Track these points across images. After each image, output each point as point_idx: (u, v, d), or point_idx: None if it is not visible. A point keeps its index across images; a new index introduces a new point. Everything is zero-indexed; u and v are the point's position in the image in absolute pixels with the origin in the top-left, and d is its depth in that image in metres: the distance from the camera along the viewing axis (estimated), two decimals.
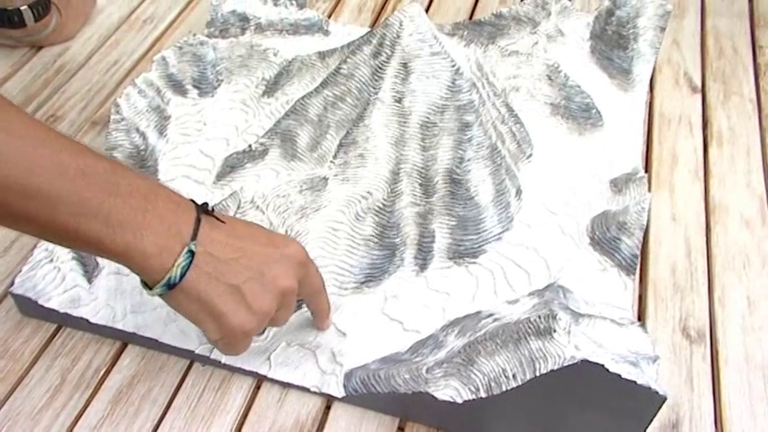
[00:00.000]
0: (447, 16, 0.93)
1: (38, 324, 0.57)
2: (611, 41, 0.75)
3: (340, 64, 0.61)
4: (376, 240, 0.60)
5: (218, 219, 0.45)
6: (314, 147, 0.62)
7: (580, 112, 0.70)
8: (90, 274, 0.57)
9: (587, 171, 0.67)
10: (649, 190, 0.71)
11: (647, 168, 0.73)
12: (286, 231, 0.58)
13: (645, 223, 0.59)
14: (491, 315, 0.54)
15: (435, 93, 0.60)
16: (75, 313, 0.55)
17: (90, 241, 0.40)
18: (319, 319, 0.56)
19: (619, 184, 0.65)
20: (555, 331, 0.45)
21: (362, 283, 0.59)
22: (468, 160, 0.61)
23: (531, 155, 0.67)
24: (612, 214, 0.61)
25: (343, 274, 0.59)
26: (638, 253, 0.59)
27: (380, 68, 0.59)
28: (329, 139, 0.62)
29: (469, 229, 0.61)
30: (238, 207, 0.56)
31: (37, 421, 0.51)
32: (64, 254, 0.56)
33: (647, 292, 0.62)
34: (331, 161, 0.60)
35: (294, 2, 0.83)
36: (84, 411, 0.52)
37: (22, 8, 0.76)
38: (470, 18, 0.91)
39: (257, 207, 0.57)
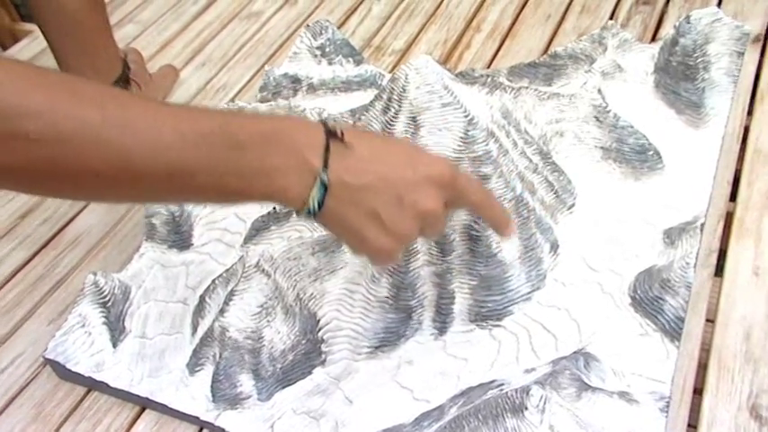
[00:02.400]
0: (518, 57, 0.89)
1: (71, 387, 0.60)
2: (677, 73, 0.67)
3: (354, 122, 0.60)
4: (391, 303, 0.57)
5: (345, 144, 0.44)
6: None
7: (635, 155, 0.63)
8: (116, 338, 0.59)
9: (641, 220, 0.60)
10: (727, 239, 0.61)
11: (731, 213, 0.64)
12: (298, 294, 0.57)
13: (691, 281, 0.51)
14: (501, 385, 0.49)
15: (448, 145, 0.56)
16: (98, 377, 0.57)
17: (230, 195, 0.43)
18: (497, 229, 0.51)
19: (672, 236, 0.57)
20: (527, 408, 0.40)
21: (377, 347, 0.56)
22: None
23: (572, 205, 0.61)
24: (657, 271, 0.54)
25: (358, 338, 0.57)
26: (684, 315, 0.51)
27: (390, 124, 0.57)
28: None
29: (493, 289, 0.56)
30: (243, 272, 0.56)
31: None
32: (95, 319, 0.60)
33: (710, 361, 0.53)
34: None
35: (351, 59, 0.84)
36: None
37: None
38: None
39: (263, 271, 0.56)
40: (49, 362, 0.59)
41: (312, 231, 0.62)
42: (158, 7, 1.13)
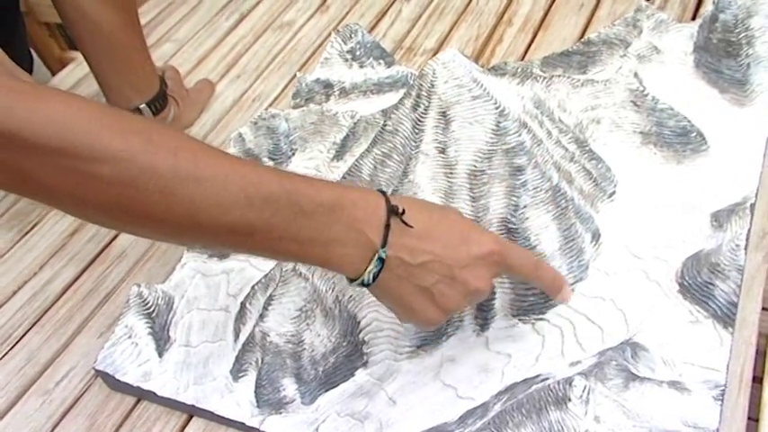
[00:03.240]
0: (551, 48, 0.87)
1: (122, 398, 0.61)
2: (719, 51, 0.64)
3: (385, 120, 0.60)
4: None
5: (406, 223, 0.46)
6: None
7: (676, 138, 0.61)
8: (161, 347, 0.60)
9: (686, 205, 0.58)
10: None
11: None
12: (337, 297, 0.57)
13: (742, 263, 0.49)
14: (545, 379, 0.48)
15: (480, 138, 0.55)
16: (146, 386, 0.58)
17: (286, 256, 0.46)
18: (553, 296, 0.52)
19: (720, 218, 0.55)
20: (570, 400, 0.38)
21: (419, 346, 0.56)
22: (525, 207, 0.55)
23: (613, 193, 0.59)
24: (705, 255, 0.52)
25: (399, 338, 0.56)
26: (736, 300, 0.49)
27: (420, 121, 0.57)
28: None
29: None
30: (281, 276, 0.56)
31: None
32: (141, 329, 0.61)
33: None
34: None
35: (382, 61, 0.84)
36: None
37: (141, 107, 0.85)
38: None
39: (300, 274, 0.56)
40: (99, 373, 0.60)
41: None
42: (193, 25, 1.15)
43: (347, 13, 1.06)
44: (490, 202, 0.56)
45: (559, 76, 0.62)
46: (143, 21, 1.20)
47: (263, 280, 0.60)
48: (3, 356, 0.67)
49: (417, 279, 0.46)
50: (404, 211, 0.46)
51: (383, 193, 0.47)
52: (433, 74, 0.55)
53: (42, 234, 0.80)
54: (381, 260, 0.44)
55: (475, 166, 0.56)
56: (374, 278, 0.45)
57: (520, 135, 0.55)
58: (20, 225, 0.82)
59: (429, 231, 0.46)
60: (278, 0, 1.15)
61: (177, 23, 1.17)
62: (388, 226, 0.45)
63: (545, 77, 0.61)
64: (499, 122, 0.55)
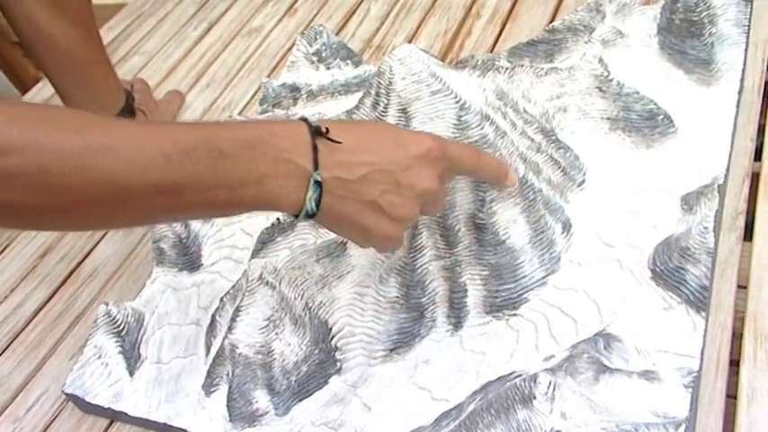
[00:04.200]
0: (520, 38, 0.86)
1: (94, 420, 0.59)
2: (682, 31, 0.63)
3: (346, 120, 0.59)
4: (402, 302, 0.55)
5: (332, 140, 0.44)
6: None
7: (643, 122, 0.60)
8: (132, 366, 0.59)
9: (657, 189, 0.57)
10: (755, 200, 0.58)
11: (758, 171, 0.60)
12: (306, 303, 0.56)
13: (711, 246, 0.48)
14: (519, 376, 0.47)
15: (442, 133, 0.54)
16: (117, 407, 0.57)
17: (223, 207, 0.42)
18: (499, 184, 0.52)
19: (690, 201, 0.54)
20: (535, 397, 0.37)
21: (392, 350, 0.55)
22: (492, 201, 0.54)
23: (582, 181, 0.58)
24: (675, 240, 0.51)
25: (372, 342, 0.55)
26: (708, 284, 0.48)
27: (380, 119, 0.55)
28: None
29: (505, 278, 0.54)
30: (247, 286, 0.55)
31: None
32: (111, 349, 0.59)
33: (745, 330, 0.50)
34: None
35: (349, 61, 0.82)
36: None
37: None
38: None
39: (267, 283, 0.55)
40: (69, 396, 0.59)
41: (317, 238, 0.61)
42: (161, 37, 1.14)
43: (315, 15, 1.05)
44: (456, 198, 0.54)
45: (522, 66, 0.61)
46: (111, 35, 1.20)
47: (231, 291, 0.59)
48: None
49: (361, 194, 0.44)
50: (328, 130, 0.44)
51: (305, 119, 0.45)
52: (390, 71, 0.54)
53: (12, 257, 0.79)
54: (318, 184, 0.42)
55: None
56: (317, 205, 0.43)
57: (482, 128, 0.54)
58: None
59: (360, 143, 0.45)
60: (246, 6, 1.14)
61: (145, 36, 1.16)
62: (315, 148, 0.43)
63: (507, 68, 0.60)
64: (460, 116, 0.54)
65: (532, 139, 0.57)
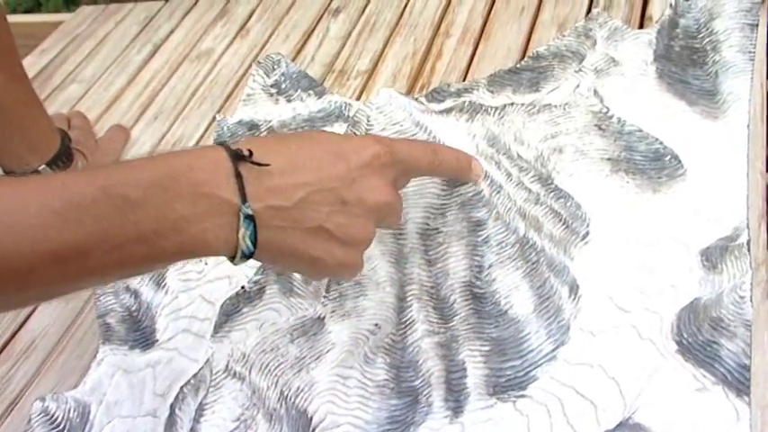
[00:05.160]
0: (496, 59, 0.79)
1: None
2: (682, 59, 0.57)
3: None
4: (392, 386, 0.48)
5: (258, 163, 0.37)
6: (308, 279, 0.52)
7: (649, 163, 0.54)
8: None
9: (669, 240, 0.51)
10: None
11: None
12: (282, 392, 0.48)
13: (749, 318, 0.42)
14: None
15: (430, 191, 0.47)
16: None
17: (144, 264, 0.36)
18: (464, 179, 0.46)
19: (712, 257, 0.48)
20: None
21: None
22: (490, 266, 0.47)
23: (587, 233, 0.52)
24: (703, 307, 0.45)
25: None
26: (747, 362, 0.42)
27: None
28: None
29: (509, 353, 0.47)
30: (211, 379, 0.47)
31: None
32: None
33: None
34: (324, 296, 0.50)
35: (311, 92, 0.75)
36: None
37: (39, 168, 0.74)
38: (522, 59, 0.77)
39: (235, 374, 0.47)
40: None
41: (289, 308, 0.53)
42: (101, 61, 1.05)
43: (270, 36, 0.97)
44: (449, 264, 0.47)
45: (512, 104, 0.54)
46: (45, 59, 1.10)
47: (192, 381, 0.51)
48: None
49: (303, 221, 0.38)
50: (251, 152, 0.37)
51: (223, 143, 0.38)
52: (368, 121, 0.47)
53: None
54: (250, 218, 0.36)
55: (427, 225, 0.47)
56: (253, 243, 0.37)
57: (476, 184, 0.47)
58: None
59: (293, 161, 0.38)
60: (192, 27, 1.05)
61: (84, 60, 1.07)
62: (239, 176, 0.36)
63: (496, 108, 0.54)
64: None
65: (530, 190, 0.51)
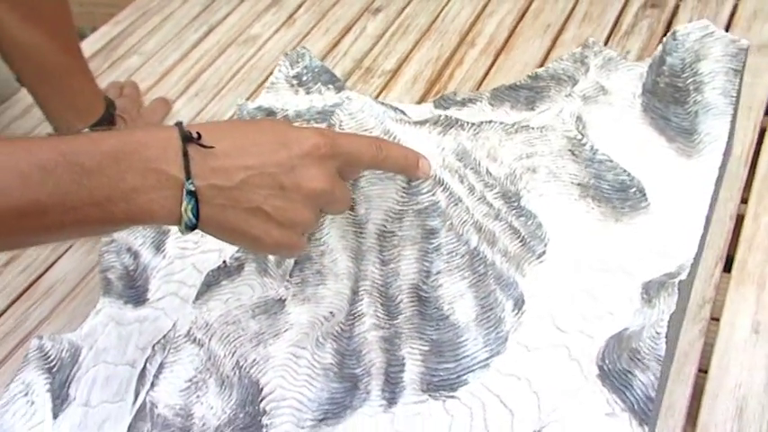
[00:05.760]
0: (512, 72, 0.82)
1: None
2: (666, 96, 0.59)
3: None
4: (335, 371, 0.52)
5: (204, 146, 0.41)
6: (279, 262, 0.57)
7: (614, 193, 0.56)
8: (58, 407, 0.57)
9: (620, 270, 0.53)
10: (718, 287, 0.54)
11: (731, 255, 0.56)
12: (237, 362, 0.53)
13: (662, 354, 0.44)
14: None
15: (390, 196, 0.51)
16: None
17: (97, 225, 0.41)
18: (411, 173, 0.49)
19: (650, 291, 0.50)
20: None
21: (321, 420, 0.52)
22: (438, 273, 0.51)
23: (543, 253, 0.55)
24: (627, 337, 0.47)
25: (301, 410, 0.52)
26: (653, 395, 0.44)
27: None
28: None
29: (446, 356, 0.51)
30: (173, 341, 0.53)
31: None
32: (39, 386, 0.57)
33: None
34: (287, 280, 0.54)
35: (330, 86, 0.79)
36: None
37: (84, 131, 0.82)
38: None
39: (194, 340, 0.53)
40: None
41: (263, 286, 0.58)
42: (161, 37, 1.12)
43: (312, 28, 1.02)
44: (401, 266, 0.51)
45: (490, 122, 0.57)
46: (116, 30, 1.18)
47: (161, 340, 0.56)
48: None
49: (242, 201, 0.42)
50: (200, 135, 0.41)
51: (179, 123, 0.42)
52: (340, 125, 0.51)
53: None
54: (192, 193, 0.40)
55: (385, 227, 0.51)
56: (195, 216, 0.41)
57: (434, 194, 0.51)
58: None
59: (237, 146, 0.42)
60: (248, 12, 1.11)
61: (147, 35, 1.14)
62: (186, 155, 0.41)
63: (473, 124, 0.56)
64: (411, 180, 0.50)
65: (491, 205, 0.54)
